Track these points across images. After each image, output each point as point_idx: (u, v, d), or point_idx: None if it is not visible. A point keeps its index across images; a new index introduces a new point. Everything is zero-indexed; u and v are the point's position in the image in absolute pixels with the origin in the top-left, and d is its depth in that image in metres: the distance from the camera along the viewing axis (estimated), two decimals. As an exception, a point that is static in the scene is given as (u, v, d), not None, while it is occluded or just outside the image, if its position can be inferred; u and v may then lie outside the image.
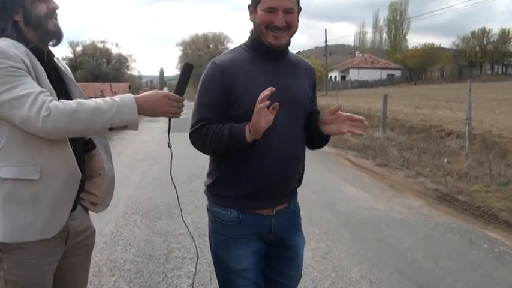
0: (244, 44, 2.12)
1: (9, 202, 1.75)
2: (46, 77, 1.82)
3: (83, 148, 1.97)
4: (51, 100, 1.66)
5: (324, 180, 7.96)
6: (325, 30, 57.00)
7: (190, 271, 4.01)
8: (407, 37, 78.08)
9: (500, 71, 70.16)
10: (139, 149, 11.42)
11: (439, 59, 68.90)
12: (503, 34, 65.84)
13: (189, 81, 1.91)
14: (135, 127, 1.76)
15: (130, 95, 1.78)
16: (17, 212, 1.75)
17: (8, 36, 1.82)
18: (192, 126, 2.03)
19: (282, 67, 2.08)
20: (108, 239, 4.85)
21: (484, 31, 67.04)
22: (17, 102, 1.64)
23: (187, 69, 1.89)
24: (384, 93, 15.99)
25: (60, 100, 1.70)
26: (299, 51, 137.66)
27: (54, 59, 2.01)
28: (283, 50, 2.07)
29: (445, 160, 9.41)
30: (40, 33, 1.87)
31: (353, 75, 71.32)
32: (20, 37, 1.83)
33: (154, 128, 15.08)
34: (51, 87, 1.80)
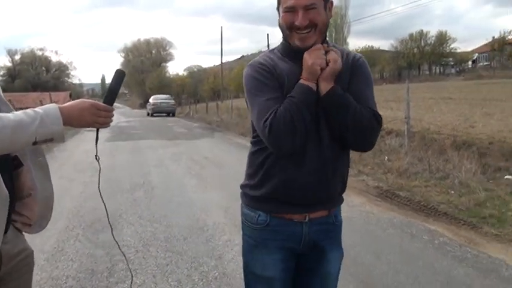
0: (276, 47, 1.97)
1: None
2: None
3: (11, 165, 1.83)
4: None
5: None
6: (267, 34, 57.23)
7: (135, 283, 3.92)
8: (348, 40, 79.71)
9: (437, 71, 72.83)
10: (81, 160, 11.08)
11: (379, 60, 70.88)
12: (440, 36, 68.47)
13: (119, 89, 1.79)
14: (61, 139, 1.64)
15: (54, 105, 1.65)
16: None
17: None
18: (267, 119, 1.76)
19: None
20: (49, 256, 4.65)
21: (421, 33, 69.56)
22: None
23: (119, 77, 1.74)
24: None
25: None
26: (242, 56, 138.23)
27: None
28: None
29: (386, 158, 9.66)
30: None
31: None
32: None
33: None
34: None
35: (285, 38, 1.86)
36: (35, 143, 1.58)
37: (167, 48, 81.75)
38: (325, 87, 1.79)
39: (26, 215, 1.84)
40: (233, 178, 8.44)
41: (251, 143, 2.00)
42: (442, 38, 68.13)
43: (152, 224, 5.54)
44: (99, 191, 2.06)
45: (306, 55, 1.77)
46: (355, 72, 1.91)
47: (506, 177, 7.92)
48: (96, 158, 1.86)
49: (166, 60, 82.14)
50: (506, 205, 6.00)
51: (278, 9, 1.86)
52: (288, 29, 1.80)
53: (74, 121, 1.65)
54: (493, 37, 61.50)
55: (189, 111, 36.73)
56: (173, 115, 35.39)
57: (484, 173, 8.02)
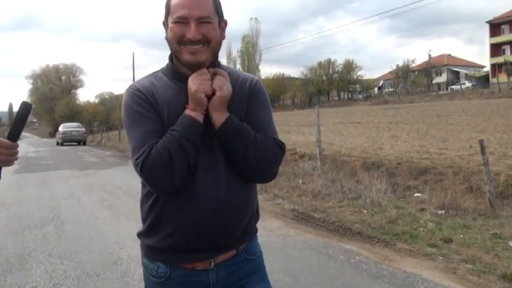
0: (161, 71, 1.74)
1: None
2: None
3: None
4: None
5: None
6: None
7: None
8: (259, 67, 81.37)
9: (346, 97, 75.86)
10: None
11: (290, 87, 72.96)
12: (348, 64, 71.60)
13: (25, 123, 1.60)
14: None
15: None
16: None
17: None
18: (139, 157, 1.56)
19: None
20: None
21: (329, 61, 72.43)
22: None
23: (24, 110, 1.57)
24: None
25: None
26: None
27: None
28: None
29: (300, 181, 9.84)
30: None
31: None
32: None
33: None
34: None
35: (174, 53, 1.65)
36: None
37: (77, 74, 79.36)
38: (218, 118, 1.60)
39: None
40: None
41: (142, 184, 1.73)
42: (349, 66, 71.35)
43: (63, 261, 5.20)
44: None
45: (189, 81, 1.58)
46: (253, 98, 1.73)
47: (415, 194, 8.34)
48: None
49: (76, 87, 79.72)
50: (417, 221, 6.29)
51: (166, 21, 1.66)
52: (177, 42, 1.59)
53: None
54: (397, 65, 65.45)
55: (101, 139, 35.59)
56: (84, 144, 34.18)
57: (394, 192, 8.40)
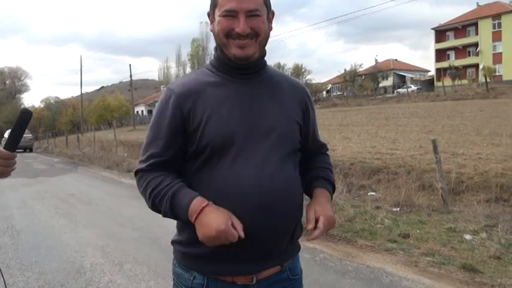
0: (209, 62, 1.66)
1: None
2: None
3: None
4: None
5: (144, 217, 7.73)
6: (130, 65, 56.38)
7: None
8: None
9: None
10: None
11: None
12: (297, 68, 72.54)
13: (24, 133, 1.50)
14: None
15: None
16: None
17: None
18: (140, 164, 1.59)
19: (256, 87, 1.60)
20: None
21: (279, 65, 73.19)
22: None
23: (24, 118, 1.46)
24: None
25: None
26: (102, 87, 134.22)
27: None
28: (255, 64, 1.60)
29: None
30: None
31: (160, 109, 71.84)
32: None
33: None
34: None
35: (220, 46, 1.57)
36: None
37: (22, 78, 77.00)
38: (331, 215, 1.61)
39: None
40: (105, 214, 8.09)
41: None
42: (298, 70, 72.28)
43: (23, 272, 5.00)
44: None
45: (219, 223, 1.40)
46: (310, 106, 1.73)
47: (369, 193, 8.58)
48: None
49: (21, 92, 77.19)
50: (374, 219, 6.47)
51: (212, 13, 1.59)
52: (225, 36, 1.52)
53: None
54: (345, 69, 66.85)
55: (48, 145, 34.58)
56: (31, 150, 33.06)
57: (349, 192, 8.61)
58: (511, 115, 19.41)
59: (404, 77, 71.43)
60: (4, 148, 1.46)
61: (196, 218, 1.44)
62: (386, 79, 66.89)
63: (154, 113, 1.63)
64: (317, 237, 1.57)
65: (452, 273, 4.39)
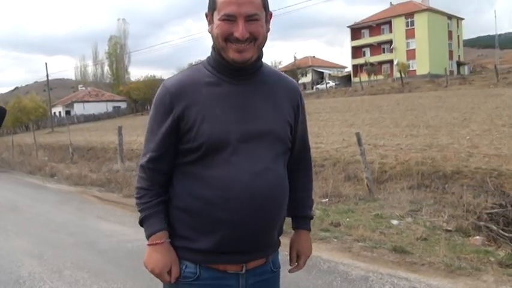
0: (206, 60, 1.67)
1: None
2: None
3: None
4: None
5: (77, 221, 7.57)
6: (46, 63, 53.79)
7: None
8: (129, 69, 79.76)
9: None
10: None
11: (162, 89, 72.13)
12: (218, 65, 72.78)
13: None
14: None
15: None
16: None
17: None
18: (142, 158, 1.66)
19: (251, 88, 1.63)
20: None
21: (198, 63, 73.04)
22: None
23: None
24: (112, 125, 16.11)
25: None
26: (17, 87, 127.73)
27: None
28: (251, 66, 1.62)
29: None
30: None
31: (78, 109, 69.32)
32: None
33: None
34: None
35: (218, 50, 1.59)
36: None
37: None
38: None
39: None
40: (36, 221, 7.80)
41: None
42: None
43: None
44: None
45: (151, 265, 1.61)
46: (302, 107, 1.77)
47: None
48: None
49: None
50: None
51: (210, 15, 1.60)
52: (223, 40, 1.54)
53: None
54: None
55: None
56: None
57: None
58: (426, 107, 20.64)
59: (322, 73, 73.57)
60: None
61: (149, 245, 1.61)
62: (306, 76, 68.60)
63: (152, 107, 1.67)
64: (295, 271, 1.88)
65: (384, 256, 4.71)
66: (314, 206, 5.86)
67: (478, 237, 5.15)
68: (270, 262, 1.72)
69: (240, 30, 1.50)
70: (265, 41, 1.61)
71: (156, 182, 1.64)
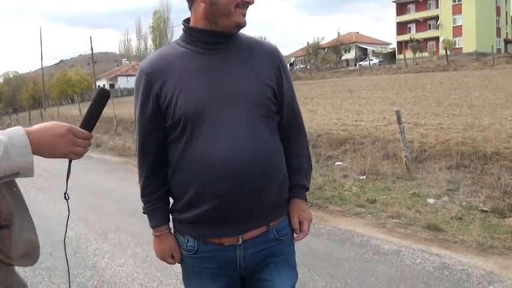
0: (179, 38, 1.71)
1: None
2: None
3: None
4: None
5: (121, 189, 7.93)
6: (90, 37, 54.77)
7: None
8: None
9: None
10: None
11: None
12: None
13: (102, 112, 1.45)
14: (29, 173, 1.27)
15: (20, 129, 1.28)
16: None
17: None
18: (137, 146, 1.75)
19: (226, 57, 1.65)
20: None
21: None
22: None
23: (101, 98, 1.43)
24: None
25: None
26: (61, 60, 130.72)
27: None
28: (230, 35, 1.66)
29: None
30: None
31: (122, 83, 70.51)
32: None
33: None
34: None
35: (222, 15, 1.59)
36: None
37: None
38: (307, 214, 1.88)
39: (3, 250, 1.43)
40: (82, 188, 8.18)
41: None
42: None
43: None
44: (64, 244, 1.56)
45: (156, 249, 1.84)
46: (284, 72, 1.78)
47: (336, 163, 8.95)
48: (65, 197, 1.52)
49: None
50: (342, 186, 6.85)
51: None
52: (235, 6, 1.57)
53: (45, 150, 1.32)
54: (308, 42, 66.94)
55: (10, 121, 33.82)
56: (-9, 127, 32.27)
57: (317, 162, 8.94)
58: (470, 87, 20.14)
59: (366, 49, 72.22)
60: (81, 127, 1.41)
61: (153, 235, 1.82)
62: (349, 52, 67.53)
63: (134, 93, 1.74)
64: (302, 238, 1.85)
65: (417, 233, 4.80)
66: (351, 182, 5.98)
67: (514, 218, 5.15)
68: (273, 230, 1.73)
69: None
70: None
71: (151, 166, 1.74)
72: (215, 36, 1.62)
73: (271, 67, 1.71)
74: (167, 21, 77.89)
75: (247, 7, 1.61)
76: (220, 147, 1.57)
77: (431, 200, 6.02)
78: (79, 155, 1.38)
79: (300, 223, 1.83)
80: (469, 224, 4.98)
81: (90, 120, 1.41)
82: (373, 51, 70.83)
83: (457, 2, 60.87)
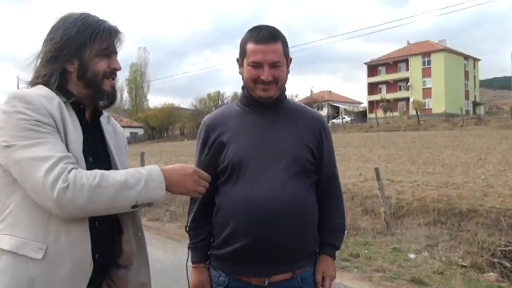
0: (238, 99, 2.06)
1: (2, 280, 1.38)
2: (80, 135, 1.54)
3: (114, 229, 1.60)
4: (72, 169, 1.39)
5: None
6: (18, 77, 54.72)
7: None
8: (148, 97, 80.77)
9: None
10: None
11: (179, 117, 73.19)
12: (235, 97, 73.01)
13: (217, 161, 1.81)
14: (160, 205, 1.58)
15: (157, 167, 1.54)
16: None
17: (47, 85, 1.54)
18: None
19: (273, 119, 1.95)
20: None
21: (218, 93, 74.11)
22: (30, 164, 1.36)
23: (218, 148, 1.77)
24: (131, 150, 16.29)
25: (81, 171, 1.42)
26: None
27: (101, 117, 1.73)
28: (274, 102, 1.95)
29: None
30: (92, 92, 1.63)
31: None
32: (62, 89, 1.56)
33: None
34: (80, 149, 1.51)
35: (247, 89, 1.94)
36: (134, 207, 1.46)
37: None
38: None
39: (116, 286, 1.65)
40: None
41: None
42: (236, 98, 73.32)
43: None
44: (187, 277, 2.02)
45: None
46: (326, 136, 2.02)
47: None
48: (186, 230, 1.95)
49: None
50: (326, 241, 6.98)
51: (241, 60, 1.95)
52: (253, 82, 1.88)
53: (174, 186, 1.54)
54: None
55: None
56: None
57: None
58: (441, 146, 20.82)
59: (338, 108, 73.95)
60: (204, 170, 1.65)
61: (193, 268, 2.04)
62: (322, 110, 68.98)
63: (197, 140, 2.08)
64: None
65: (403, 286, 4.98)
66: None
67: (492, 273, 5.37)
68: (297, 278, 1.90)
69: (265, 74, 1.85)
70: (286, 82, 1.96)
71: (201, 206, 1.97)
72: (258, 102, 1.94)
73: (313, 131, 1.98)
74: (144, 75, 78.74)
75: (268, 84, 1.87)
76: (256, 194, 1.81)
77: (412, 255, 6.22)
78: (200, 193, 1.61)
79: (323, 279, 2.00)
80: (450, 278, 5.18)
81: (209, 166, 1.69)
82: (345, 109, 72.59)
83: (426, 66, 63.64)
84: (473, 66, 70.97)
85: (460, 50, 68.59)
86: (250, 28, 1.94)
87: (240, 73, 1.97)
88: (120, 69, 1.67)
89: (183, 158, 23.38)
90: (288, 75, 1.98)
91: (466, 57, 68.49)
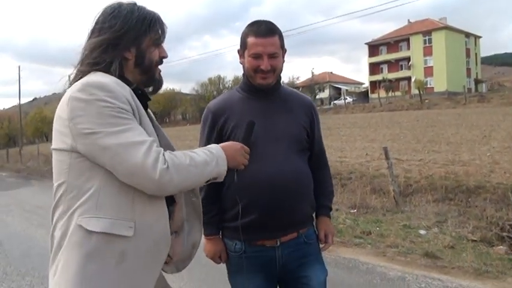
0: (239, 86, 2.29)
1: (92, 261, 1.45)
2: (149, 121, 1.64)
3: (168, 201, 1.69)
4: (163, 151, 1.49)
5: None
6: (69, 76, 54.04)
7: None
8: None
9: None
10: None
11: (181, 103, 73.23)
12: (237, 80, 72.86)
13: (251, 136, 1.93)
14: (221, 178, 1.67)
15: (217, 146, 1.72)
16: (98, 275, 1.46)
17: (109, 72, 1.59)
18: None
19: (273, 104, 2.20)
20: None
21: (219, 78, 74.07)
22: (124, 148, 1.43)
23: (251, 126, 1.93)
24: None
25: (172, 152, 1.55)
26: (35, 98, 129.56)
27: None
28: (272, 88, 2.19)
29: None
30: (146, 78, 1.73)
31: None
32: (121, 76, 1.62)
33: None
34: (154, 133, 1.62)
35: (248, 77, 2.18)
36: (207, 181, 1.62)
37: None
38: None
39: (169, 254, 1.70)
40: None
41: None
42: (238, 82, 72.32)
43: (23, 277, 5.31)
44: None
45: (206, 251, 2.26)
46: (316, 119, 2.32)
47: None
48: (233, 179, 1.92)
49: None
50: (336, 219, 7.17)
51: (242, 52, 2.17)
52: (253, 71, 2.11)
53: (230, 161, 1.70)
54: (283, 82, 67.71)
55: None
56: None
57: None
58: (445, 124, 20.96)
59: (340, 89, 73.90)
60: (245, 145, 1.83)
61: (205, 238, 2.23)
62: (323, 91, 68.95)
63: (200, 125, 2.29)
64: (328, 248, 2.35)
65: (417, 260, 5.17)
66: (344, 215, 6.35)
67: (501, 246, 5.56)
68: (302, 236, 2.21)
69: (265, 64, 2.09)
70: (282, 70, 2.21)
71: (211, 186, 2.03)
72: (258, 89, 2.18)
73: (307, 114, 2.28)
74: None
75: (267, 72, 2.10)
76: (263, 170, 2.07)
77: (422, 231, 6.40)
78: (245, 165, 1.80)
79: (326, 236, 2.33)
80: (461, 252, 5.37)
81: (246, 143, 1.86)
82: (347, 90, 72.47)
83: (427, 44, 63.32)
84: (475, 43, 70.62)
85: (460, 27, 68.28)
86: (249, 23, 2.16)
87: (241, 63, 2.20)
88: (167, 57, 1.77)
89: (188, 142, 23.49)
90: (288, 59, 2.23)
91: (467, 35, 68.14)
